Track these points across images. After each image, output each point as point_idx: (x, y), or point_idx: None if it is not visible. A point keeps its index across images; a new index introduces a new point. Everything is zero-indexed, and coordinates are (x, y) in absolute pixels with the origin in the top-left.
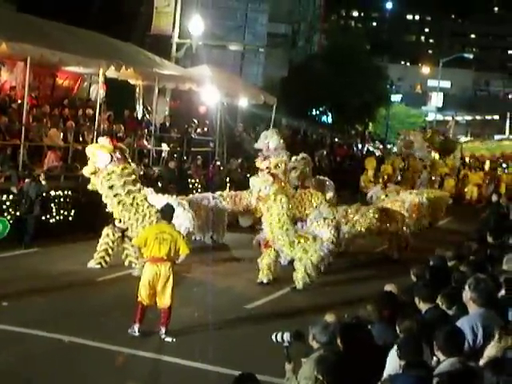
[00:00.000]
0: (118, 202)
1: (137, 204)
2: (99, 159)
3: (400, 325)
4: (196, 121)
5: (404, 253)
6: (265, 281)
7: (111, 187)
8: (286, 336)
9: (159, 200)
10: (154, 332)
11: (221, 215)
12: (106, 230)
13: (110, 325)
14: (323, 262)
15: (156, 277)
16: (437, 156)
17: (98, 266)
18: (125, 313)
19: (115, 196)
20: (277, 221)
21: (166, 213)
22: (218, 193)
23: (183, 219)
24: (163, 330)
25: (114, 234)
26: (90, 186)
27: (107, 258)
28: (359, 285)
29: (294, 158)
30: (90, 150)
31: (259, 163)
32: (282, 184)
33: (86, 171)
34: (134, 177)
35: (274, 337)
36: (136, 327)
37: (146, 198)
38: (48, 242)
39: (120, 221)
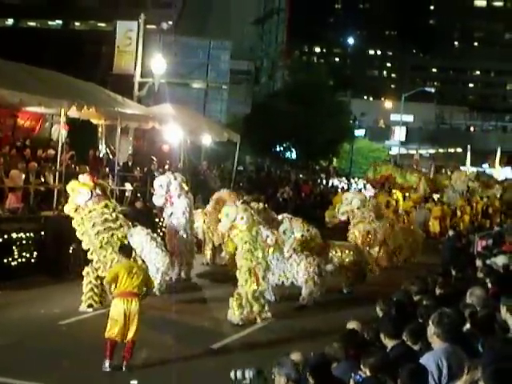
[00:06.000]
0: (99, 240)
1: (115, 242)
2: (79, 196)
3: (364, 363)
4: (155, 158)
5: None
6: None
7: (93, 225)
8: (248, 373)
9: (138, 236)
10: (118, 375)
11: (191, 249)
12: (86, 269)
13: (73, 368)
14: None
15: (127, 311)
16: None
17: (90, 309)
18: (88, 356)
19: (97, 234)
20: (250, 252)
21: (126, 251)
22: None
23: (157, 260)
24: (125, 363)
25: (93, 272)
26: (74, 224)
27: (96, 298)
28: (328, 320)
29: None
30: (70, 186)
31: None
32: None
33: (67, 209)
34: (114, 214)
35: (232, 374)
36: (107, 363)
37: (125, 236)
38: (9, 285)
39: (92, 260)
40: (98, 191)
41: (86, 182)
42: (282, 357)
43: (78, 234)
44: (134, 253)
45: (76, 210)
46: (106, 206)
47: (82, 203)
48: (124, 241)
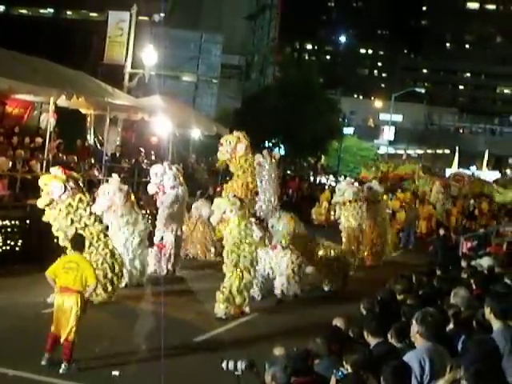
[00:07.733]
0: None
1: (91, 238)
2: (53, 190)
3: (347, 360)
4: (143, 150)
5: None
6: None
7: (71, 221)
8: (240, 364)
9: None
10: (100, 366)
11: (178, 241)
12: None
13: (55, 358)
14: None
15: (60, 307)
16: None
17: None
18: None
19: (75, 230)
20: (236, 245)
21: (76, 243)
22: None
23: (135, 253)
24: (64, 365)
25: None
26: (44, 218)
27: None
28: (312, 317)
29: None
30: (42, 181)
31: None
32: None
33: (41, 203)
34: (89, 209)
35: (224, 364)
36: (46, 355)
37: (100, 231)
38: None
39: None
40: (72, 184)
41: (58, 175)
42: (267, 351)
43: (53, 230)
44: (111, 245)
45: (49, 205)
46: (81, 200)
47: (57, 197)
48: (100, 237)
